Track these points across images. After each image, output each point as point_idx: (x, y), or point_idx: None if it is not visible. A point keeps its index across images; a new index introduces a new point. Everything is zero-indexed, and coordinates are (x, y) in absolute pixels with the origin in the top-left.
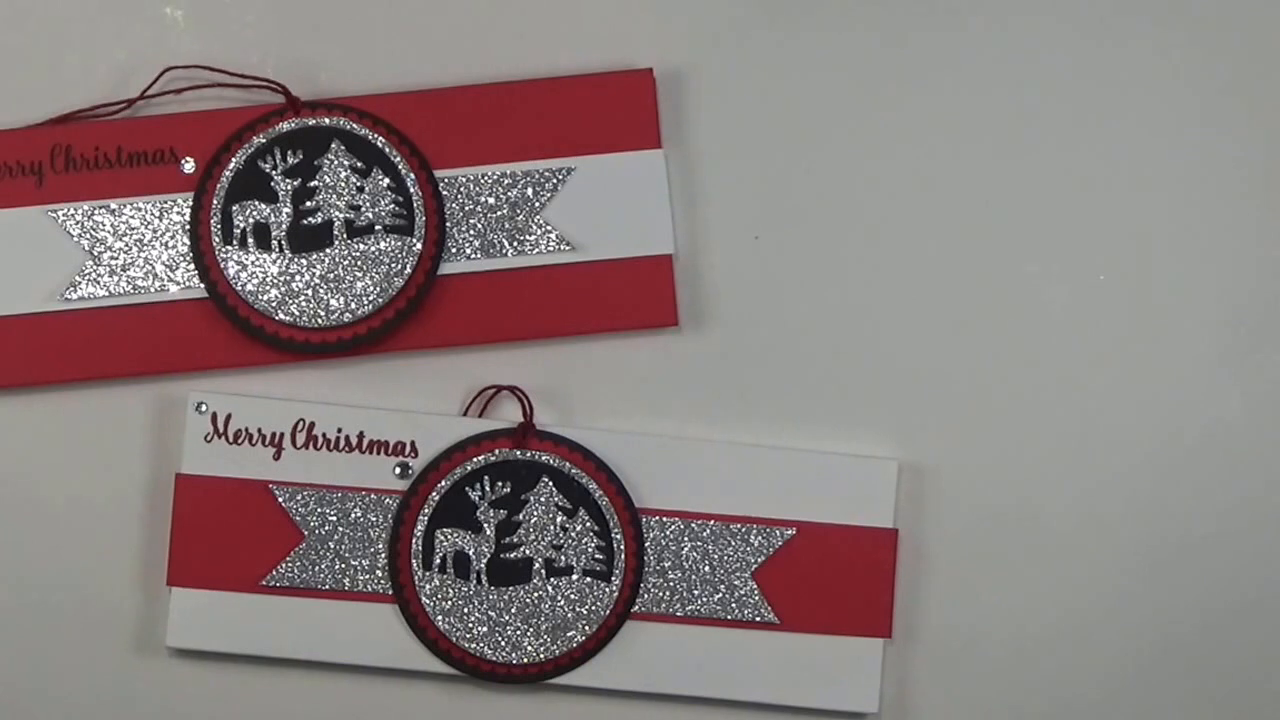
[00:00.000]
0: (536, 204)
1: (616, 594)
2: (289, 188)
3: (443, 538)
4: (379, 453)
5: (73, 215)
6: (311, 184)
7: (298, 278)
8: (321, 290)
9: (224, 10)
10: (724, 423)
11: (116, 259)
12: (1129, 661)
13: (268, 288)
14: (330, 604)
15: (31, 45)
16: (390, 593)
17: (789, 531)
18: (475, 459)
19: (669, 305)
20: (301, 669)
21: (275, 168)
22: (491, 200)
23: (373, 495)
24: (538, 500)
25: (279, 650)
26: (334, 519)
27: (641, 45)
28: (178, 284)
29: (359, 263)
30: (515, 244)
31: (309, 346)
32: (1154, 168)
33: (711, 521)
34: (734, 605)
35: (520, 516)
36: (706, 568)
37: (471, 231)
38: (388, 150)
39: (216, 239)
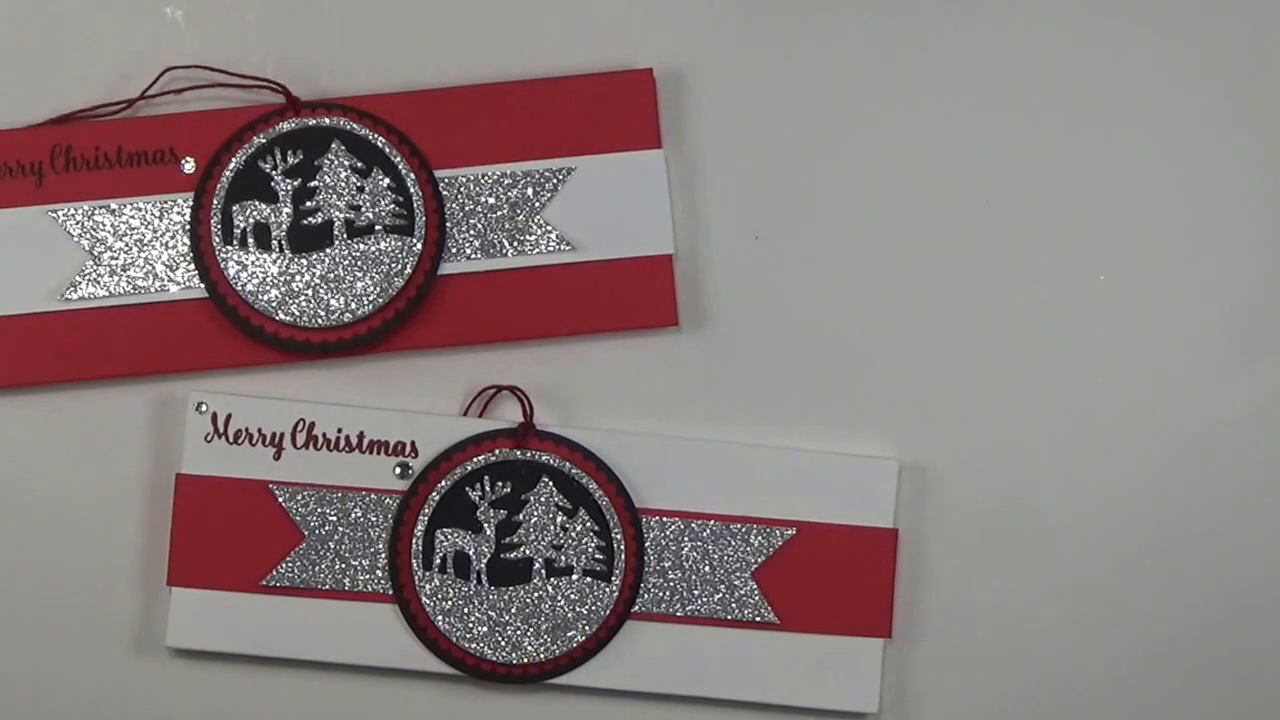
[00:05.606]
0: (536, 204)
1: (616, 594)
2: (289, 188)
3: (443, 538)
4: (379, 453)
5: (73, 215)
6: (311, 184)
7: (298, 278)
8: (321, 290)
9: (224, 10)
10: (724, 423)
11: (116, 259)
12: (1129, 661)
13: (268, 288)
14: (330, 604)
15: (31, 45)
16: (390, 593)
17: (789, 531)
18: (475, 459)
19: (669, 305)
20: (301, 669)
21: (275, 168)
22: (491, 200)
23: (373, 495)
24: (538, 500)
25: (279, 650)
26: (334, 519)
27: (641, 45)
28: (178, 284)
29: (359, 263)
30: (515, 244)
31: (309, 346)
32: (1154, 168)
33: (711, 521)
34: (734, 605)
35: (520, 516)
36: (706, 568)
37: (471, 231)
38: (388, 150)
39: (216, 239)
